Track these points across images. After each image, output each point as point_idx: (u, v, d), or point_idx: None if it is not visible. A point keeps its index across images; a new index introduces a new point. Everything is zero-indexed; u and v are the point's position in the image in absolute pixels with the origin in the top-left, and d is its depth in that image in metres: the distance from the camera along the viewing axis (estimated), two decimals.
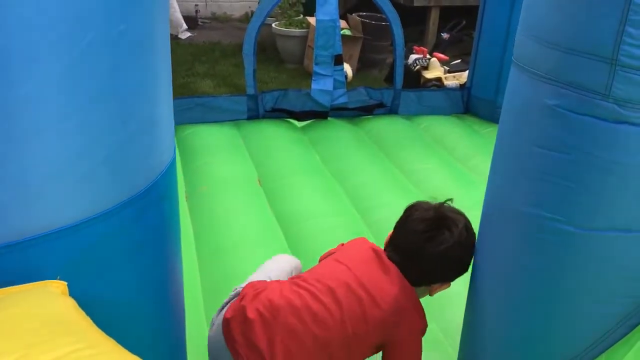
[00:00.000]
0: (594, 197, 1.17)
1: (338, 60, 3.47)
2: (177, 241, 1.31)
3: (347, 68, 5.55)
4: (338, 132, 3.44)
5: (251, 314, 1.46)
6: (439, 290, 1.62)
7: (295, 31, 5.76)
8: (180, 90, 4.73)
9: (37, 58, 0.80)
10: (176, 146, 3.17)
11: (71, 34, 0.83)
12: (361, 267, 1.55)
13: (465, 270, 1.60)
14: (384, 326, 1.48)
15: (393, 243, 1.61)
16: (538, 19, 1.23)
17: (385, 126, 3.58)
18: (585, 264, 1.23)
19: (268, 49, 6.01)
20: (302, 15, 5.96)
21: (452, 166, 3.09)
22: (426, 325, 1.57)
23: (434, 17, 6.55)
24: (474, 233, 1.58)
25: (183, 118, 3.47)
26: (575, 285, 1.26)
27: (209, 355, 1.57)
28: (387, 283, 1.51)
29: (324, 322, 1.45)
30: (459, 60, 5.19)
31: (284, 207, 2.62)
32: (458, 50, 5.87)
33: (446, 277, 1.60)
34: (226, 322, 1.49)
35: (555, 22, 1.17)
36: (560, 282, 1.27)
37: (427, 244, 1.53)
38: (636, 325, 1.25)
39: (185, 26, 6.73)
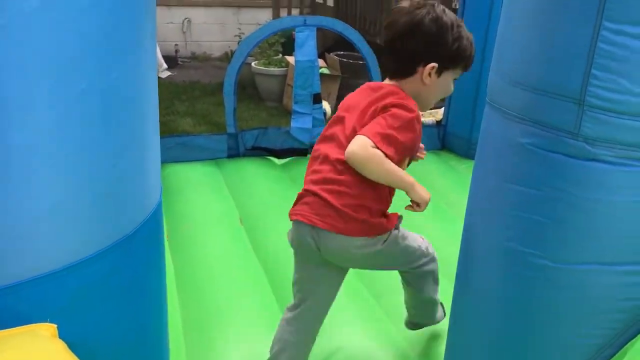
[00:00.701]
0: (566, 232, 1.21)
1: (317, 99, 3.54)
2: (163, 282, 1.32)
3: (326, 105, 5.64)
4: None
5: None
6: (429, 79, 1.64)
7: (275, 70, 5.85)
8: (161, 129, 4.74)
9: (33, 106, 0.82)
10: None
11: (66, 80, 0.86)
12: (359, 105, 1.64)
13: (447, 52, 1.62)
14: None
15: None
16: (509, 60, 1.29)
17: None
18: (561, 297, 1.26)
19: (247, 87, 6.09)
20: (281, 55, 6.07)
21: (430, 202, 3.13)
22: (415, 116, 1.62)
23: None
24: (453, 16, 1.64)
25: (163, 157, 3.45)
26: (552, 317, 1.29)
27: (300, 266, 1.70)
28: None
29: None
30: None
31: (266, 246, 2.63)
32: None
33: (429, 56, 1.61)
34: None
35: (525, 64, 1.24)
36: (538, 314, 1.30)
37: (402, 19, 1.60)
38: (613, 356, 1.29)
39: (165, 65, 6.80)
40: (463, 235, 1.51)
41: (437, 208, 3.07)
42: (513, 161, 1.28)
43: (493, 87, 1.36)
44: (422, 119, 5.14)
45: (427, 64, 1.62)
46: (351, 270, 1.80)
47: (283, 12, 7.07)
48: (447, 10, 1.65)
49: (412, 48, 1.62)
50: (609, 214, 1.18)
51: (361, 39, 3.61)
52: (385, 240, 1.64)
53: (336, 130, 1.65)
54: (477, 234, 1.43)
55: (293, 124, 3.56)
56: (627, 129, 1.12)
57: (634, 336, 1.25)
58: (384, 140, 1.53)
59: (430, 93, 1.70)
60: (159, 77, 6.54)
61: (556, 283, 1.26)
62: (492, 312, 1.40)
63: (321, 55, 6.20)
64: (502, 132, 1.31)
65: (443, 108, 4.37)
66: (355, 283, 2.36)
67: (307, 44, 3.37)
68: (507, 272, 1.33)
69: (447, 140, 4.12)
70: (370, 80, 3.72)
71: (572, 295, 1.25)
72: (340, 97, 6.07)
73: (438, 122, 4.47)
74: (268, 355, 1.75)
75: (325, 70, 5.93)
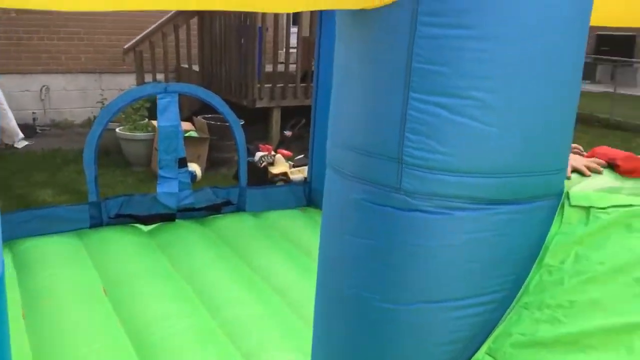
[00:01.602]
0: (400, 276, 1.35)
1: (182, 163, 3.57)
2: None
3: (196, 168, 5.67)
4: (186, 233, 3.48)
5: None
6: None
7: (140, 135, 5.80)
8: (17, 202, 4.49)
9: None
10: (12, 262, 3.00)
11: None
12: None
13: None
14: None
15: None
16: (340, 127, 1.45)
17: (233, 224, 3.69)
18: (405, 337, 1.39)
19: (112, 153, 5.95)
20: (147, 119, 6.03)
21: (297, 258, 3.25)
22: None
23: (276, 116, 6.97)
24: None
25: (20, 232, 3.30)
26: (398, 355, 1.41)
27: None
28: None
29: None
30: (302, 155, 5.55)
31: (132, 315, 2.57)
32: (301, 146, 6.27)
33: None
34: None
35: (354, 130, 1.40)
36: (385, 353, 1.42)
37: None
38: None
39: (21, 135, 6.47)
40: (316, 285, 1.61)
41: (304, 264, 3.19)
42: (351, 216, 1.42)
43: (331, 151, 1.51)
44: (291, 176, 5.37)
45: None
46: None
47: (148, 77, 7.06)
48: None
49: None
50: (432, 256, 1.34)
51: (223, 103, 3.74)
52: None
53: None
54: (327, 284, 1.54)
55: (159, 188, 3.55)
56: (439, 182, 1.30)
57: None
58: None
59: None
60: (15, 148, 6.21)
61: (397, 323, 1.39)
62: (348, 358, 1.50)
63: (189, 119, 6.26)
64: (341, 190, 1.45)
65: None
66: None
67: (169, 109, 3.42)
68: (356, 317, 1.45)
69: (313, 196, 4.31)
70: (235, 140, 3.83)
71: (411, 332, 1.39)
72: (210, 159, 6.14)
73: (306, 179, 4.68)
74: None
75: (194, 134, 5.98)
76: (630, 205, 1.32)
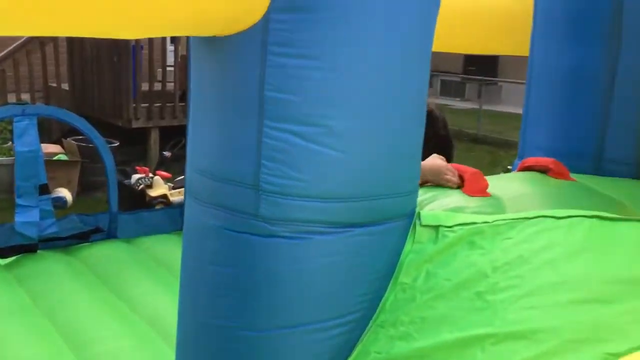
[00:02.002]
0: (259, 302, 1.35)
1: (43, 190, 3.35)
2: None
3: (66, 193, 5.34)
4: (49, 264, 3.25)
5: None
6: None
7: (2, 159, 5.37)
8: None
9: None
10: None
11: None
12: None
13: None
14: None
15: None
16: (198, 154, 1.43)
17: (102, 252, 3.51)
18: None
19: None
20: (10, 143, 5.61)
21: (171, 285, 3.14)
22: None
23: (154, 137, 6.76)
24: None
25: None
26: None
27: None
28: None
29: None
30: (183, 177, 5.41)
31: None
32: (181, 166, 6.12)
33: None
34: None
35: (212, 157, 1.39)
36: None
37: None
38: None
39: None
40: (178, 315, 1.56)
41: (177, 290, 3.08)
42: (210, 244, 1.39)
43: (190, 179, 1.49)
44: (171, 198, 5.20)
45: None
46: None
47: (11, 97, 6.58)
48: None
49: None
50: (292, 281, 1.35)
51: (88, 125, 3.56)
52: None
53: None
54: (188, 314, 1.50)
55: (17, 218, 3.30)
56: (296, 207, 1.31)
57: None
58: None
59: None
60: None
61: (259, 351, 1.38)
62: None
63: (58, 141, 5.90)
64: (199, 218, 1.43)
65: None
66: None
67: (27, 133, 3.20)
68: (217, 348, 1.42)
69: None
70: (104, 163, 3.65)
71: (274, 358, 1.38)
72: (82, 183, 5.81)
73: None
74: None
75: (63, 157, 5.64)
76: (474, 223, 1.41)
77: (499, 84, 14.11)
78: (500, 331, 1.20)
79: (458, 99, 15.08)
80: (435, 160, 1.71)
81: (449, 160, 1.83)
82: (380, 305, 1.42)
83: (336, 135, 1.28)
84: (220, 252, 1.38)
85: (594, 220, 1.36)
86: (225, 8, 1.21)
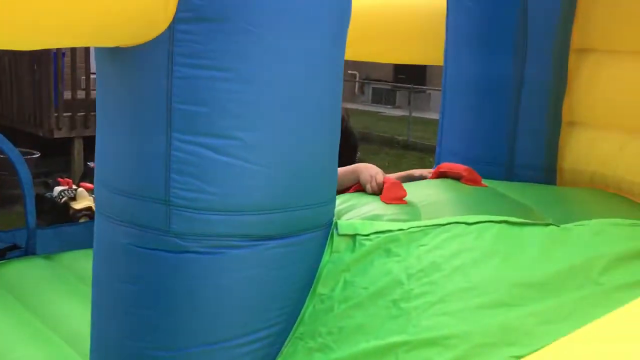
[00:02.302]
0: (173, 321, 1.31)
1: None
2: None
3: None
4: None
5: None
6: None
7: None
8: None
9: None
10: None
11: None
12: None
13: None
14: None
15: None
16: (105, 169, 1.38)
17: (19, 271, 3.32)
18: None
19: None
20: None
21: None
22: None
23: (77, 147, 6.51)
24: None
25: None
26: None
27: None
28: None
29: None
30: None
31: None
32: None
33: None
34: None
35: (119, 171, 1.34)
36: None
37: None
38: None
39: None
40: (91, 335, 1.50)
41: None
42: (120, 262, 1.35)
43: (98, 195, 1.43)
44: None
45: None
46: None
47: None
48: None
49: None
50: (207, 297, 1.32)
51: (2, 137, 3.38)
52: None
53: None
54: (100, 334, 1.44)
55: None
56: (209, 222, 1.29)
57: None
58: None
59: None
60: None
61: None
62: None
63: None
64: (110, 235, 1.38)
65: None
66: None
67: None
68: None
69: None
70: (19, 176, 3.48)
71: None
72: (1, 196, 5.50)
73: None
74: None
75: None
76: (390, 231, 1.43)
77: (428, 91, 14.49)
78: (413, 338, 1.21)
79: (389, 106, 15.38)
80: (359, 166, 1.75)
81: (354, 154, 1.90)
82: (299, 317, 1.40)
83: (249, 147, 1.26)
84: (132, 270, 1.33)
85: (503, 225, 1.41)
86: (129, 19, 1.17)
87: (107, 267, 1.38)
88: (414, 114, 11.78)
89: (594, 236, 1.37)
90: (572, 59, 1.89)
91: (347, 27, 1.39)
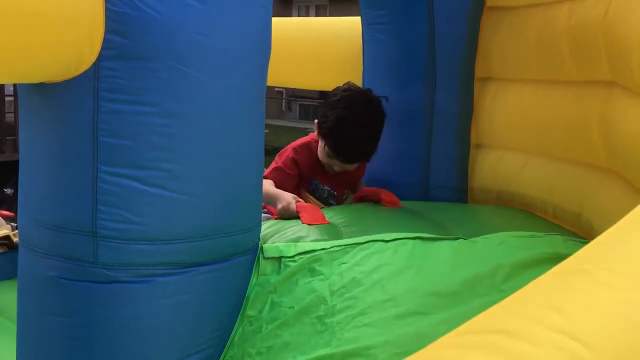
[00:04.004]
0: (102, 351, 1.33)
1: None
2: None
3: None
4: None
5: None
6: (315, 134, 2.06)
7: None
8: None
9: None
10: None
11: None
12: None
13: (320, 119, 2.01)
14: None
15: None
16: (30, 202, 1.39)
17: None
18: None
19: None
20: None
21: (13, 334, 2.90)
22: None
23: None
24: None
25: None
26: None
27: None
28: None
29: None
30: None
31: None
32: None
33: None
34: None
35: (45, 205, 1.36)
36: None
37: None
38: None
39: None
40: None
41: None
42: (48, 294, 1.36)
43: (22, 228, 1.44)
44: (15, 240, 4.76)
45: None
46: None
47: None
48: (359, 93, 1.97)
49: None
50: (136, 326, 1.35)
51: None
52: None
53: None
54: None
55: None
56: (137, 251, 1.32)
57: None
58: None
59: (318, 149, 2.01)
60: None
61: None
62: None
63: None
64: (35, 268, 1.38)
65: None
66: None
67: None
68: None
69: None
70: None
71: None
72: None
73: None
74: None
75: None
76: (313, 251, 1.51)
77: None
78: (337, 351, 1.28)
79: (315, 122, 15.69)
80: (279, 195, 1.84)
81: None
82: (229, 339, 1.45)
83: (175, 178, 1.32)
84: (59, 302, 1.34)
85: (416, 241, 1.52)
86: (56, 58, 1.21)
87: (35, 301, 1.38)
88: None
89: (497, 247, 1.50)
90: (477, 86, 2.06)
91: (269, 57, 1.48)
